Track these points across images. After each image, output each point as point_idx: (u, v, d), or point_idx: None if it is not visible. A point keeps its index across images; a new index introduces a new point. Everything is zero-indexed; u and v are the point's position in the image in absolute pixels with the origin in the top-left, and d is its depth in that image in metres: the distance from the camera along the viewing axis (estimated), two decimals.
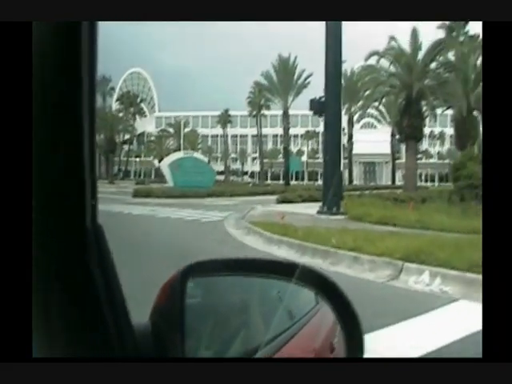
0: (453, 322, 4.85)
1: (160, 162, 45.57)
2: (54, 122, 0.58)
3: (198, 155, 43.95)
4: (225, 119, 70.81)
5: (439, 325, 4.75)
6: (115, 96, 72.34)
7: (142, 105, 76.01)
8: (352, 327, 0.90)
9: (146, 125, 79.74)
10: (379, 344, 4.14)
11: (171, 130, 72.98)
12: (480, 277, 5.91)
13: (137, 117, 72.28)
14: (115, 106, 69.19)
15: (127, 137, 71.64)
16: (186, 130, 70.38)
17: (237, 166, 76.34)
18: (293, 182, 56.12)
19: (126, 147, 74.32)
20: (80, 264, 0.62)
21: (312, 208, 16.60)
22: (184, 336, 0.73)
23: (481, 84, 35.62)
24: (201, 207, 21.17)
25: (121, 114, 67.43)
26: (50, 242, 0.61)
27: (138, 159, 76.45)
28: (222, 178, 59.56)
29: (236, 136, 78.81)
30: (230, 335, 0.88)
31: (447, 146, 70.04)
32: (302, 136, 73.01)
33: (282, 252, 9.01)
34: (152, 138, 78.41)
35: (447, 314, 5.14)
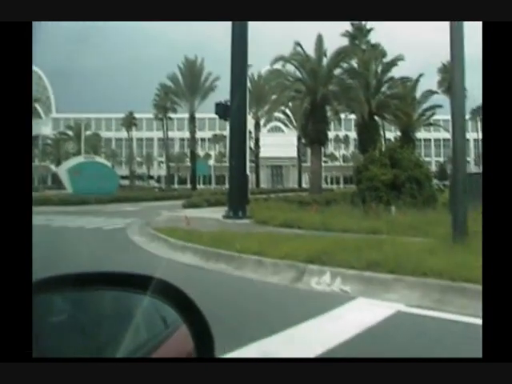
0: (351, 318, 5.09)
1: (57, 166, 43.39)
2: None
3: (100, 159, 42.48)
4: (129, 122, 69.04)
5: (338, 322, 4.95)
6: None
7: (36, 105, 71.91)
8: (205, 345, 0.92)
9: (42, 127, 75.50)
10: (282, 345, 4.24)
11: (70, 132, 69.80)
12: (376, 274, 6.27)
13: None
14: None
15: None
16: (88, 132, 67.71)
17: (142, 170, 74.69)
18: (200, 187, 56.02)
19: None
20: None
21: (218, 212, 16.66)
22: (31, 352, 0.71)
23: (381, 90, 37.94)
24: (103, 214, 20.43)
25: None
26: None
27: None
28: (126, 182, 57.94)
29: (141, 139, 77.15)
30: (99, 347, 0.87)
31: (352, 149, 73.61)
32: (209, 140, 73.15)
33: (187, 258, 8.94)
34: (48, 142, 74.44)
35: (346, 312, 5.38)
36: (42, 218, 18.55)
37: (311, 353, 4.06)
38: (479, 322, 4.76)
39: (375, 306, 5.49)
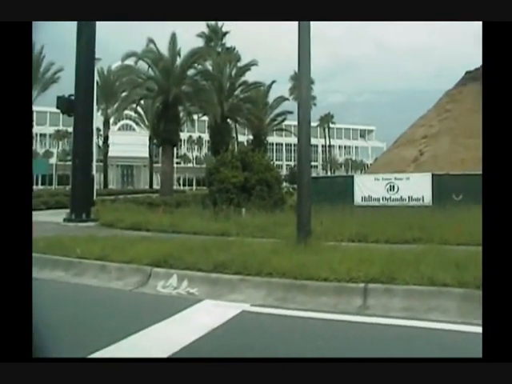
0: (197, 320, 5.14)
1: None
2: None
3: None
4: None
5: (182, 326, 4.97)
6: None
7: None
8: None
9: None
10: (125, 352, 4.12)
11: None
12: (222, 275, 6.43)
13: None
14: None
15: None
16: None
17: None
18: (38, 187, 52.21)
19: None
20: None
21: (59, 215, 15.73)
22: None
23: (234, 93, 39.04)
24: None
25: None
26: None
27: None
28: None
29: None
30: None
31: (205, 151, 74.60)
32: (50, 135, 68.60)
33: None
34: None
35: (192, 314, 5.42)
36: None
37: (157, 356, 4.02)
38: (319, 315, 5.15)
39: (221, 307, 5.62)
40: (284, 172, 68.38)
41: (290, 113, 45.78)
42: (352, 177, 19.86)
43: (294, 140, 71.21)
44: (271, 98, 46.80)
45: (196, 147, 77.77)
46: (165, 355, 4.09)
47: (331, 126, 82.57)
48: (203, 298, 6.08)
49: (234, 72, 40.53)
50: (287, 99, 50.66)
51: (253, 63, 40.58)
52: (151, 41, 32.58)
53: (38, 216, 16.56)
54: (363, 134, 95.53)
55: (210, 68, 37.26)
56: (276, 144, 77.50)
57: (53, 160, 64.19)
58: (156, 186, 56.10)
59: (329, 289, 5.73)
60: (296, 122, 8.97)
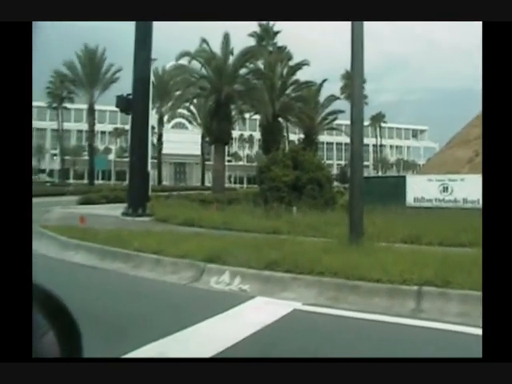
0: (249, 317, 5.17)
1: None
2: None
3: None
4: None
5: (235, 322, 5.01)
6: None
7: None
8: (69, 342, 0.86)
9: None
10: (179, 345, 4.20)
11: None
12: (274, 273, 6.43)
13: None
14: None
15: None
16: None
17: (33, 162, 70.41)
18: (99, 182, 53.98)
19: None
20: None
21: (117, 210, 16.19)
22: None
23: (285, 92, 38.97)
24: None
25: None
26: None
27: None
28: None
29: (31, 129, 72.71)
30: None
31: (256, 149, 74.85)
32: (110, 133, 70.68)
33: (80, 258, 8.58)
34: None
35: (244, 311, 5.45)
36: None
37: (209, 352, 4.07)
38: (372, 317, 5.07)
39: (273, 305, 5.62)
40: (334, 171, 67.69)
41: (342, 112, 45.22)
42: (404, 177, 19.39)
43: (344, 139, 70.47)
44: (322, 96, 46.40)
45: (247, 145, 78.17)
46: (218, 350, 4.13)
47: (382, 125, 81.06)
48: (255, 295, 6.11)
49: (285, 71, 40.40)
50: (338, 98, 50.11)
51: (304, 62, 40.34)
52: (204, 41, 32.94)
53: (99, 210, 17.13)
54: (415, 134, 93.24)
55: (262, 67, 37.29)
56: (327, 143, 76.80)
57: (111, 156, 66.18)
58: (207, 184, 56.84)
59: (381, 290, 5.63)
60: (347, 121, 8.85)
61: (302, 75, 40.87)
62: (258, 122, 52.69)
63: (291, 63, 41.45)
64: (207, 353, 4.06)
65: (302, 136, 46.30)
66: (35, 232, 11.52)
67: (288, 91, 39.68)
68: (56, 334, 0.88)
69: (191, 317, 5.03)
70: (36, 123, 71.77)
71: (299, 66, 40.51)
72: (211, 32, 33.03)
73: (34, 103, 64.79)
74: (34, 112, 69.45)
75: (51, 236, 10.40)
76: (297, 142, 44.00)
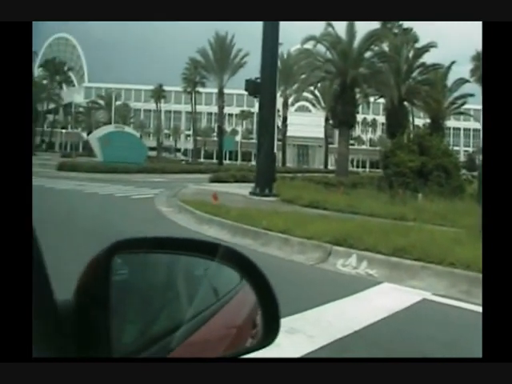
0: (378, 302, 5.07)
1: (88, 134, 43.85)
2: None
3: (129, 130, 42.72)
4: (159, 94, 69.13)
5: (364, 306, 4.94)
6: (38, 61, 68.33)
7: (70, 73, 72.43)
8: (270, 305, 0.96)
9: (74, 95, 76.21)
10: (308, 324, 4.26)
11: (101, 102, 70.28)
12: (403, 260, 6.21)
13: (64, 86, 68.84)
14: (38, 72, 65.18)
15: (52, 106, 68.12)
16: (118, 102, 68.13)
17: (169, 142, 75.05)
18: (226, 162, 56.06)
19: (50, 117, 70.74)
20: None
21: (244, 188, 16.68)
22: (109, 311, 0.74)
23: (411, 76, 37.13)
24: (131, 183, 20.66)
25: (45, 82, 63.87)
26: None
27: (63, 131, 73.01)
28: (154, 154, 58.37)
29: (169, 112, 77.32)
30: (155, 311, 0.89)
31: (379, 133, 72.60)
32: (236, 115, 72.92)
33: (213, 232, 8.99)
34: (80, 110, 75.15)
35: (372, 295, 5.36)
36: (74, 184, 18.91)
37: (337, 333, 4.08)
38: None
39: (401, 292, 5.45)
40: (461, 158, 63.49)
41: (471, 95, 42.07)
42: None
43: (473, 124, 65.65)
44: (450, 80, 43.43)
45: (370, 129, 76.08)
46: (346, 332, 4.11)
47: None
48: (382, 280, 5.96)
49: (411, 53, 38.39)
50: (468, 81, 46.59)
51: (431, 44, 37.96)
52: (329, 24, 32.37)
53: (228, 188, 17.82)
54: None
55: (387, 50, 35.80)
56: (453, 128, 72.10)
57: (238, 138, 68.34)
58: (330, 167, 56.42)
59: None
60: (477, 106, 8.17)
61: (428, 57, 38.58)
62: (381, 106, 50.94)
63: (417, 45, 39.27)
64: (336, 333, 4.06)
65: (427, 121, 43.90)
66: (175, 205, 12.32)
67: (414, 74, 37.73)
68: (256, 293, 0.96)
69: (320, 296, 5.06)
70: (173, 106, 76.28)
71: (426, 48, 38.25)
72: None
73: (172, 88, 68.93)
74: (172, 96, 73.84)
75: (188, 210, 11.03)
76: (422, 126, 41.82)
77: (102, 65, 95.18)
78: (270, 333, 0.96)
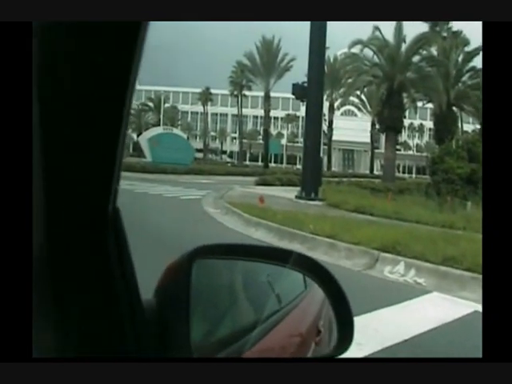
0: (427, 311, 4.98)
1: (139, 136, 44.94)
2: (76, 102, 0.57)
3: (177, 131, 43.50)
4: (206, 97, 70.03)
5: (413, 315, 4.87)
6: None
7: None
8: (344, 312, 0.98)
9: None
10: (356, 331, 4.23)
11: (151, 104, 71.87)
12: (452, 270, 6.07)
13: None
14: None
15: None
16: (166, 105, 69.45)
17: (216, 144, 75.89)
18: (271, 165, 56.20)
19: None
20: (99, 246, 0.65)
21: (290, 192, 16.68)
22: (189, 313, 0.77)
23: (461, 80, 36.10)
24: (179, 184, 21.05)
25: None
26: (65, 228, 0.62)
27: None
28: (200, 155, 59.19)
29: (216, 114, 78.15)
30: (222, 316, 0.92)
31: (426, 138, 70.89)
32: (282, 119, 72.88)
33: (260, 234, 9.05)
34: (131, 112, 77.02)
35: (421, 305, 5.27)
36: (126, 183, 19.46)
37: (386, 341, 4.04)
38: None
39: (451, 303, 5.34)
40: None
41: None
42: None
43: None
44: None
45: (417, 135, 74.41)
46: (396, 340, 4.07)
47: None
48: (431, 289, 5.85)
49: (460, 57, 37.30)
50: None
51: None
52: (377, 28, 31.94)
53: (274, 191, 17.87)
54: None
55: (436, 54, 34.93)
56: None
57: (283, 141, 68.32)
58: (376, 172, 55.55)
59: None
60: None
61: (479, 61, 37.35)
62: (429, 111, 49.74)
63: (467, 49, 38.10)
64: (384, 342, 4.02)
65: (477, 126, 42.56)
66: (222, 207, 12.47)
67: (464, 79, 36.63)
68: (335, 313, 0.99)
69: (368, 303, 5.00)
70: (219, 109, 77.09)
71: (476, 51, 37.06)
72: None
73: (219, 91, 69.74)
74: (219, 99, 74.68)
75: (235, 212, 11.14)
76: (471, 132, 40.61)
77: (151, 68, 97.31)
78: (345, 339, 0.98)
